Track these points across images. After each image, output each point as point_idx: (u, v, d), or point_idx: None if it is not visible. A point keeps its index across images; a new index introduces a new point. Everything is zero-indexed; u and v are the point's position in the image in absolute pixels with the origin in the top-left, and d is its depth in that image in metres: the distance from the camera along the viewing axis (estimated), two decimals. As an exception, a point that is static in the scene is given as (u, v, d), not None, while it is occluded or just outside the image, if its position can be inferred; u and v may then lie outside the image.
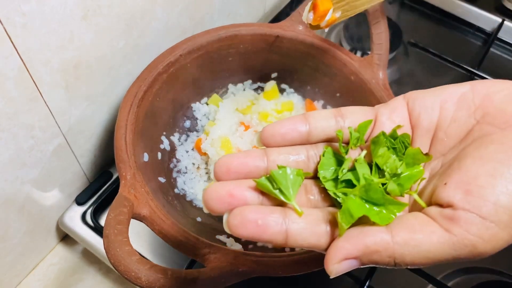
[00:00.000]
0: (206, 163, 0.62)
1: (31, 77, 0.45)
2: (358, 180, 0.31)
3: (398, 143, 0.32)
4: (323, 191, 0.32)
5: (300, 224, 0.28)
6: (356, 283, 0.59)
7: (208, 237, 0.50)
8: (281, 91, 0.68)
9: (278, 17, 0.84)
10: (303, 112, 0.65)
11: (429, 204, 0.30)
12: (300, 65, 0.66)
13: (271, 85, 0.66)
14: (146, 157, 0.54)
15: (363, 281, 0.56)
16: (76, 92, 0.52)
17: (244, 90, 0.68)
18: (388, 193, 0.30)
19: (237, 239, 0.54)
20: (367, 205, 0.28)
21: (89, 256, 0.63)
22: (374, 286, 0.58)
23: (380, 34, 0.59)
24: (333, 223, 0.28)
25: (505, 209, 0.26)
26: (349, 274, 0.59)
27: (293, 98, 0.67)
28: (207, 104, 0.66)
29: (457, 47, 0.87)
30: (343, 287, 0.58)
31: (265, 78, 0.68)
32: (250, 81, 0.68)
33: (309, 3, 0.51)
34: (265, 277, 0.44)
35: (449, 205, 0.28)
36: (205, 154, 0.62)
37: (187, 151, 0.62)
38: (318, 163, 0.32)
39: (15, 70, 0.43)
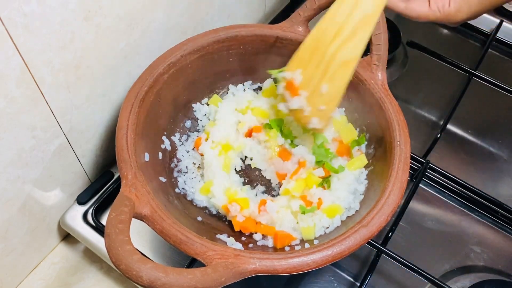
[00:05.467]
0: (206, 163, 0.63)
1: (33, 78, 0.46)
2: None
3: None
4: None
5: None
6: (356, 282, 0.59)
7: (209, 236, 0.51)
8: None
9: (278, 18, 0.84)
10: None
11: None
12: (299, 65, 0.66)
13: (269, 83, 0.67)
14: (147, 157, 0.54)
15: (363, 280, 0.56)
16: (78, 92, 0.53)
17: (244, 90, 0.68)
18: None
19: (238, 239, 0.54)
20: None
21: (90, 255, 0.63)
22: (373, 286, 0.59)
23: (379, 35, 0.59)
24: None
25: None
26: (348, 273, 0.60)
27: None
28: (208, 104, 0.66)
29: (456, 47, 0.87)
30: (343, 286, 0.59)
31: (265, 79, 0.68)
32: (250, 82, 0.68)
33: None
34: (265, 276, 0.44)
35: None
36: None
37: (187, 151, 0.63)
38: None
39: (17, 71, 0.44)
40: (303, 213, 0.55)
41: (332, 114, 0.57)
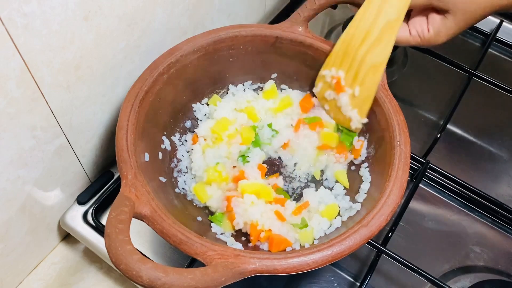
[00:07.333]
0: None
1: (33, 78, 0.46)
2: None
3: None
4: None
5: None
6: (356, 282, 0.59)
7: (209, 236, 0.51)
8: (281, 91, 0.68)
9: (278, 18, 0.84)
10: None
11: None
12: (299, 65, 0.66)
13: (270, 85, 0.67)
14: (147, 157, 0.54)
15: (363, 280, 0.56)
16: (78, 92, 0.53)
17: (244, 90, 0.68)
18: None
19: (238, 239, 0.54)
20: None
21: (90, 255, 0.63)
22: (373, 286, 0.59)
23: (379, 35, 0.59)
24: None
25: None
26: (348, 273, 0.60)
27: (291, 94, 0.67)
28: (208, 104, 0.66)
29: (456, 47, 0.87)
30: (343, 286, 0.59)
31: (265, 79, 0.68)
32: (250, 82, 0.68)
33: None
34: (265, 276, 0.44)
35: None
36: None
37: (187, 151, 0.63)
38: None
39: (17, 71, 0.44)
40: (301, 228, 0.54)
41: (365, 116, 0.59)
